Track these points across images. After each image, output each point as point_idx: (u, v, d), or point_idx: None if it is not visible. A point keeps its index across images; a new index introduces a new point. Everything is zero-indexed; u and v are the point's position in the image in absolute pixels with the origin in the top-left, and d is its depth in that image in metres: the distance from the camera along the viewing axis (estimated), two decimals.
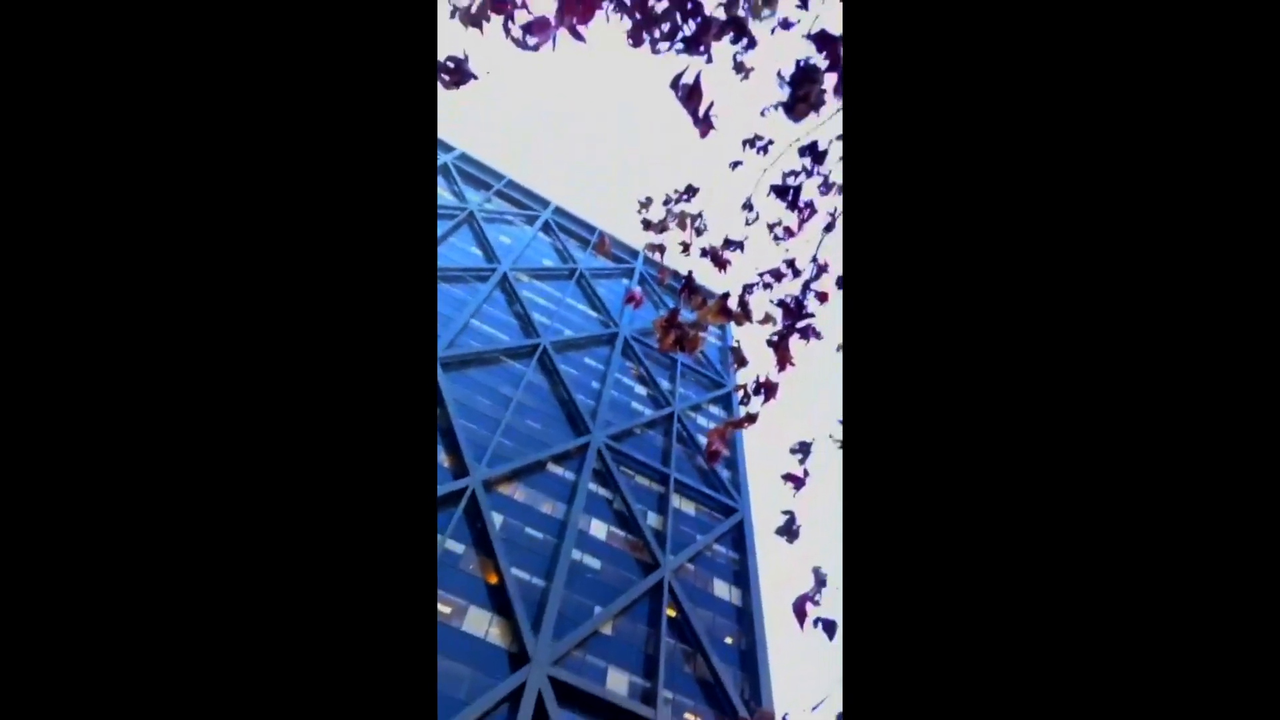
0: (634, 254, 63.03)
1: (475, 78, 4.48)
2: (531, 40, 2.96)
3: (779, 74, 5.58)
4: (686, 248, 7.35)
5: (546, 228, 60.54)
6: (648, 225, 7.44)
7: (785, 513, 4.15)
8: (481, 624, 26.18)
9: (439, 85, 4.60)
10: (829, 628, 4.17)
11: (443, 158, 58.40)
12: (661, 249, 7.36)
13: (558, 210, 63.67)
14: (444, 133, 61.50)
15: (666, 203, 7.34)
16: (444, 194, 54.77)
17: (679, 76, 3.02)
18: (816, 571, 4.30)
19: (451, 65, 4.33)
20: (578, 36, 2.86)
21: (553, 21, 2.86)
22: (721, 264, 7.08)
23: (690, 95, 2.97)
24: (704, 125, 3.27)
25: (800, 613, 4.16)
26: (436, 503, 27.61)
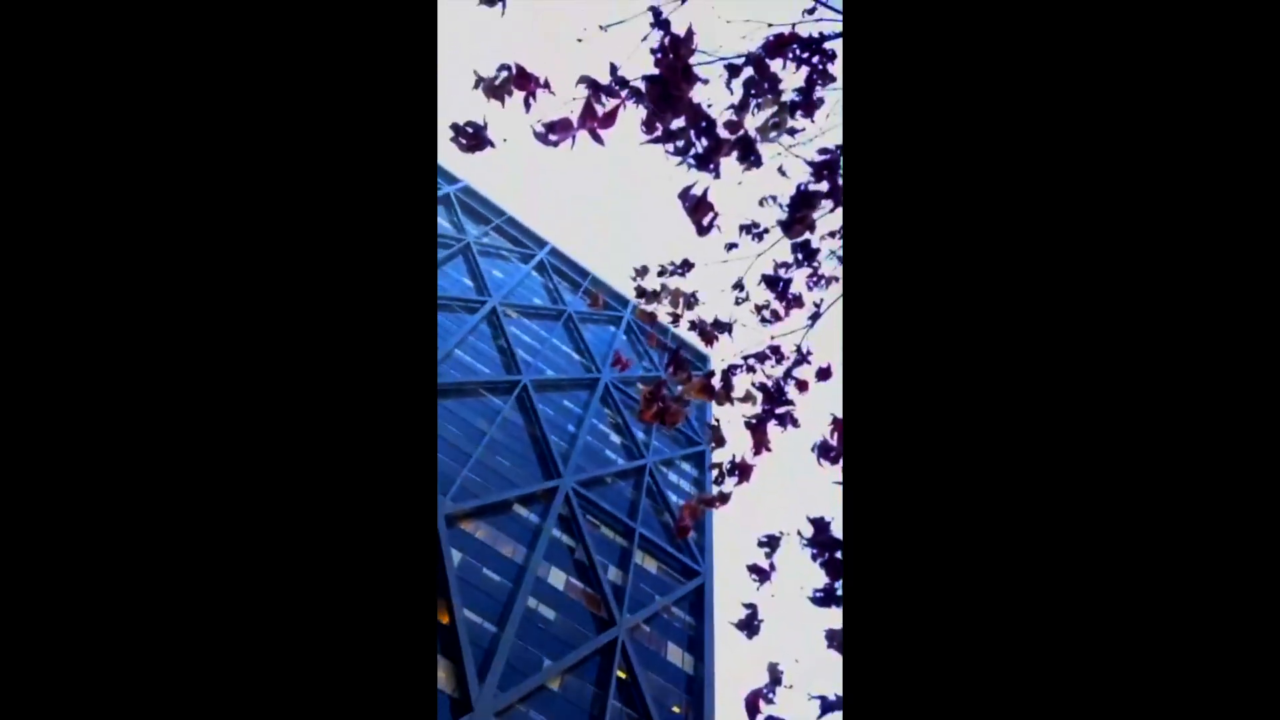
0: (624, 303, 63.60)
1: (492, 145, 4.67)
2: (553, 137, 3.15)
3: (780, 171, 5.82)
4: (676, 319, 7.52)
5: (540, 267, 61.04)
6: (641, 293, 7.62)
7: (747, 606, 4.16)
8: None
9: (456, 147, 4.77)
10: None
11: (446, 189, 59.09)
12: (653, 317, 7.53)
13: (553, 251, 64.35)
14: (450, 164, 62.47)
15: (661, 274, 7.54)
16: (443, 224, 55.20)
17: (689, 188, 3.21)
18: (773, 668, 4.28)
19: (470, 131, 4.51)
20: (598, 140, 3.05)
21: (574, 123, 3.05)
22: (709, 339, 7.25)
23: (697, 208, 3.16)
24: (704, 232, 3.46)
25: (752, 708, 4.13)
26: (437, 511, 26.79)
